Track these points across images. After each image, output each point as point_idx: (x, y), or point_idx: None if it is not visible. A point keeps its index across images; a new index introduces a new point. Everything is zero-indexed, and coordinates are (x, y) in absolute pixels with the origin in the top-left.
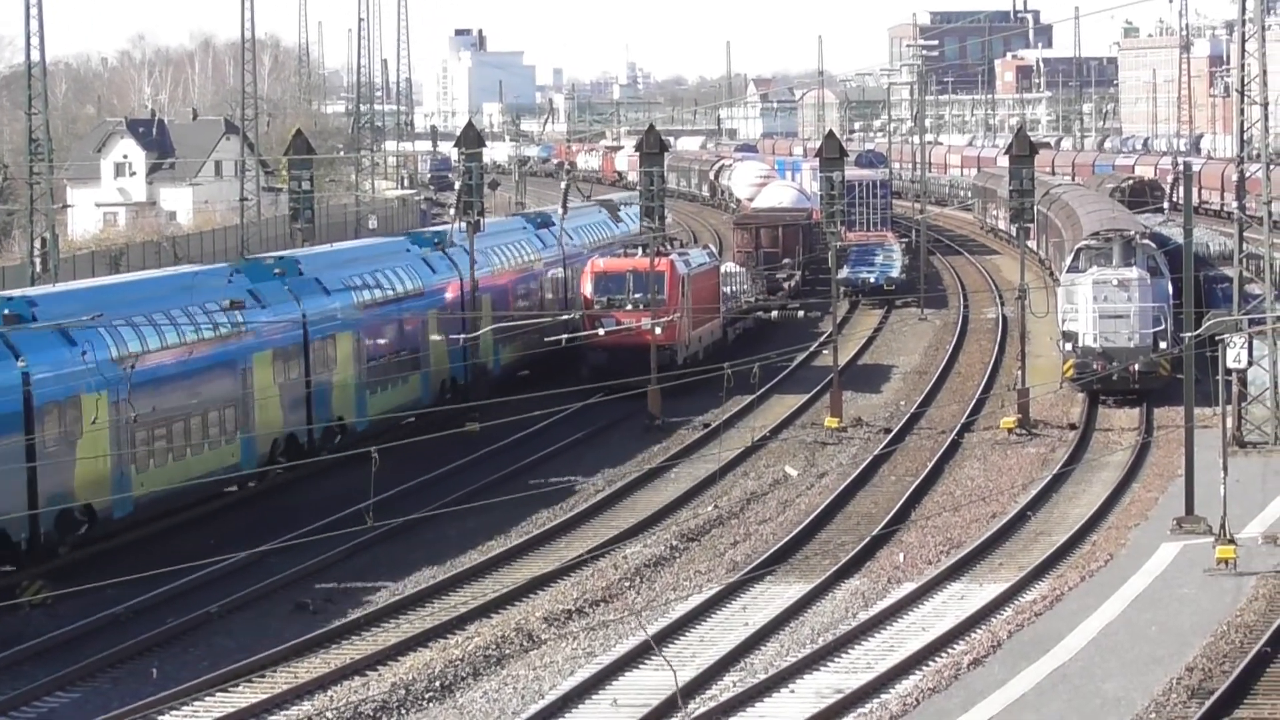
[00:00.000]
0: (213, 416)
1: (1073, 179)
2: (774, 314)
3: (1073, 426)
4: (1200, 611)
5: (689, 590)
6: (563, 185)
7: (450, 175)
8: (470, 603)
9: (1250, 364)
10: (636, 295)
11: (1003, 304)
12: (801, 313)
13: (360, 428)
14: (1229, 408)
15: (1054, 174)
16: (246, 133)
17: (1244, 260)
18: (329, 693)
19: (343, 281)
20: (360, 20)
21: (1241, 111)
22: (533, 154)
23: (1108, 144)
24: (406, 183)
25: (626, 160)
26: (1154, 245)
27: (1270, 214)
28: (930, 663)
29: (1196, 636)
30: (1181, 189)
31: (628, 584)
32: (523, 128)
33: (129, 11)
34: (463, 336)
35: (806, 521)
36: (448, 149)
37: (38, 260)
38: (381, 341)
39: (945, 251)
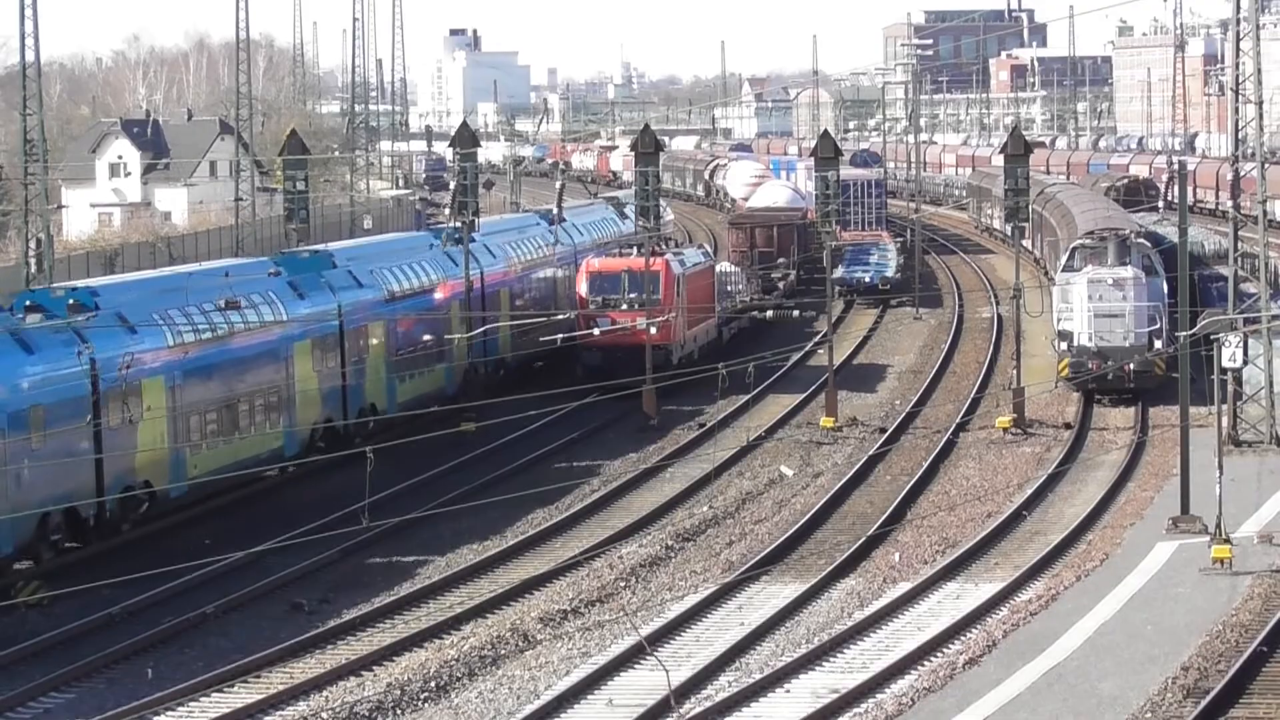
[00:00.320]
0: (259, 403)
1: (1067, 178)
2: (769, 314)
3: (1068, 426)
4: (1196, 611)
5: (684, 590)
6: (557, 185)
7: (445, 175)
8: (465, 603)
9: (1245, 363)
10: (632, 295)
11: (998, 303)
12: (796, 312)
13: (390, 414)
14: (1224, 407)
15: (1049, 173)
16: (241, 133)
17: (1239, 259)
18: (324, 693)
19: (373, 274)
20: (355, 20)
21: (1236, 110)
22: (527, 154)
23: (1102, 143)
24: (401, 183)
25: (621, 160)
26: (1149, 244)
27: (1265, 213)
28: (926, 662)
29: (1192, 636)
30: (1176, 188)
31: (623, 584)
32: (517, 128)
33: (123, 12)
34: (482, 329)
35: (802, 521)
36: (443, 149)
37: (33, 261)
38: (409, 332)
39: (940, 251)
